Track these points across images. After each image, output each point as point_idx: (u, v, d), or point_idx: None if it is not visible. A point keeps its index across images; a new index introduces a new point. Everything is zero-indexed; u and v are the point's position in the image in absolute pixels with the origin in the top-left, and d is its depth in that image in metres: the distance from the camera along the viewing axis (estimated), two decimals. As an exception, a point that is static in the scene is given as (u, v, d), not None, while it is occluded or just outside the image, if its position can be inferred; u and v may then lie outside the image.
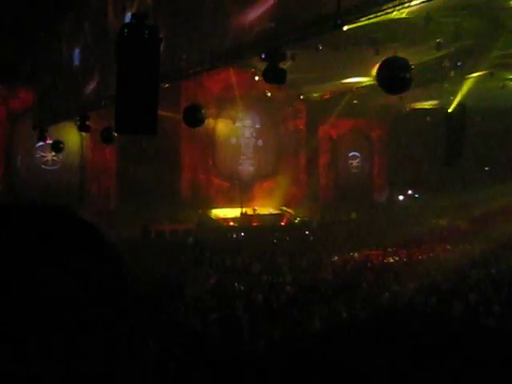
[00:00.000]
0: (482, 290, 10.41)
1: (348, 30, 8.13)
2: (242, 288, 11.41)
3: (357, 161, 31.63)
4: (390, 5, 6.67)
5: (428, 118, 26.21)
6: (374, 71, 10.07)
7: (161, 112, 8.83)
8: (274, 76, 10.04)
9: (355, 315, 8.77)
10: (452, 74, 17.77)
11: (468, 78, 18.65)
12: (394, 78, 8.41)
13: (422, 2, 7.05)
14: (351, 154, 31.45)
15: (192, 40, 10.80)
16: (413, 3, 6.68)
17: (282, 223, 25.51)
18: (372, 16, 7.06)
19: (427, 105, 25.01)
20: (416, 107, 25.37)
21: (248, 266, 14.54)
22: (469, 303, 9.16)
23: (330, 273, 13.65)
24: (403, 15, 11.21)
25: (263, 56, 9.54)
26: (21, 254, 0.77)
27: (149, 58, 8.24)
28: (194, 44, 10.77)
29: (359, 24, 8.25)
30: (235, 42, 9.85)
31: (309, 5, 7.79)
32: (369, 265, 15.06)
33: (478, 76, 18.36)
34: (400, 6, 6.79)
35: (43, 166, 22.31)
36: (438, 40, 15.09)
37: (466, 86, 19.12)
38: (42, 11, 15.17)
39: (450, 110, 19.33)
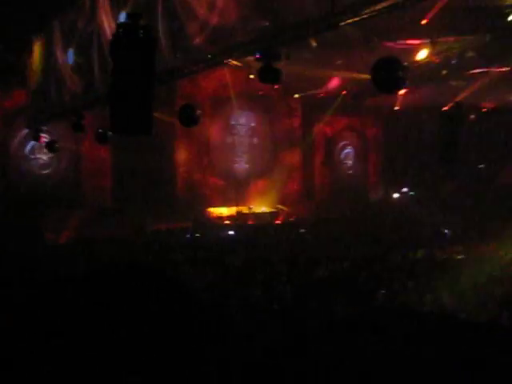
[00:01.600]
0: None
1: (342, 28, 8.16)
2: (237, 286, 11.44)
3: (352, 159, 31.73)
4: (385, 5, 6.70)
5: (423, 116, 26.26)
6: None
7: (156, 113, 8.81)
8: (268, 76, 10.09)
9: (352, 313, 8.80)
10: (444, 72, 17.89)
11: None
12: (388, 77, 8.46)
13: (417, 1, 7.08)
14: (346, 151, 31.54)
15: (186, 39, 10.80)
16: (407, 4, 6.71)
17: (278, 221, 25.58)
18: (367, 16, 7.09)
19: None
20: (411, 104, 25.41)
21: (243, 264, 14.57)
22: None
23: (326, 271, 13.68)
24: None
25: (257, 56, 9.58)
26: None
27: (144, 58, 8.24)
28: (189, 43, 10.77)
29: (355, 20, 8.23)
30: (230, 41, 9.87)
31: (303, 4, 7.80)
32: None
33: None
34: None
35: (38, 166, 22.28)
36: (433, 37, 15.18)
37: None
38: (35, 10, 15.15)
39: (445, 108, 19.37)
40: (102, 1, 12.93)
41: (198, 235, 20.59)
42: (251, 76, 18.70)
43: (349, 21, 7.60)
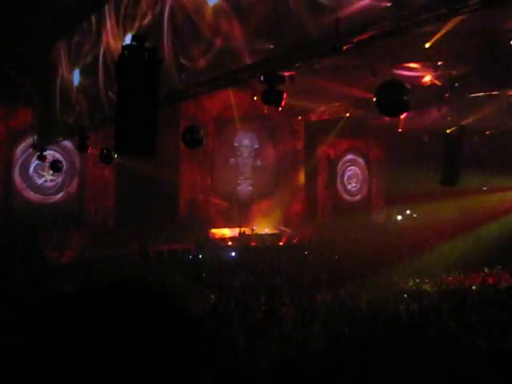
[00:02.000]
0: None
1: (346, 52, 8.20)
2: (240, 308, 11.39)
3: (355, 181, 31.77)
4: (388, 28, 6.75)
5: (426, 138, 26.32)
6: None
7: (160, 134, 8.84)
8: (272, 98, 10.15)
9: (355, 335, 8.74)
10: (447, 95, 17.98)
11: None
12: (392, 100, 8.48)
13: (419, 26, 7.12)
14: (349, 173, 31.59)
15: (191, 61, 10.88)
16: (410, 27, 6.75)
17: (281, 243, 25.50)
18: (369, 39, 7.14)
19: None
20: (413, 127, 25.49)
21: (246, 286, 14.52)
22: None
23: (328, 294, 13.62)
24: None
25: (262, 78, 9.65)
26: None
27: (149, 80, 8.30)
28: (193, 65, 10.85)
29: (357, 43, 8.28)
30: (234, 64, 9.93)
31: (307, 28, 7.86)
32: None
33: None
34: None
35: (42, 186, 22.33)
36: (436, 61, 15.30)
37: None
38: (42, 32, 15.32)
39: (448, 131, 19.41)
40: (108, 22, 13.07)
41: (200, 256, 20.53)
42: (255, 98, 18.79)
43: (352, 44, 7.66)
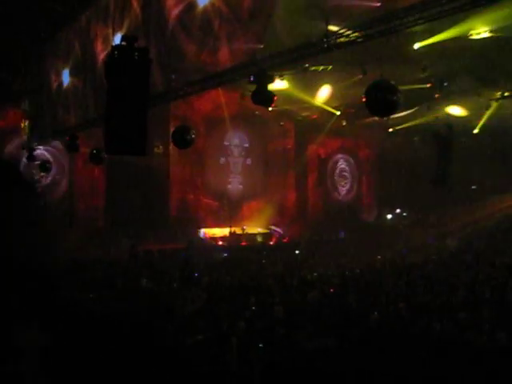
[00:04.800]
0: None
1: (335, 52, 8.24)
2: (231, 308, 11.36)
3: (345, 180, 31.85)
4: (378, 29, 6.79)
5: (416, 138, 26.47)
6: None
7: (150, 134, 8.84)
8: (262, 98, 10.15)
9: (344, 335, 8.75)
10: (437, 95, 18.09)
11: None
12: (382, 100, 8.49)
13: (408, 27, 7.17)
14: (339, 172, 31.66)
15: (181, 61, 10.88)
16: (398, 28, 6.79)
17: (271, 242, 25.53)
18: (359, 40, 7.17)
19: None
20: (403, 127, 25.60)
21: (237, 286, 14.50)
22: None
23: (319, 292, 13.62)
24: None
25: (251, 78, 9.65)
26: None
27: (139, 80, 8.29)
28: (184, 65, 10.85)
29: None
30: (224, 65, 9.95)
31: (297, 28, 7.89)
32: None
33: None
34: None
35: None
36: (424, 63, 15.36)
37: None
38: (31, 33, 15.25)
39: (437, 130, 19.54)
40: (97, 23, 13.04)
41: (191, 256, 20.47)
42: (243, 98, 18.75)
43: (342, 43, 7.70)
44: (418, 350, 7.48)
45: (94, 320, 1.13)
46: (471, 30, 12.98)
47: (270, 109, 13.12)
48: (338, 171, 31.59)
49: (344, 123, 24.43)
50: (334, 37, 7.41)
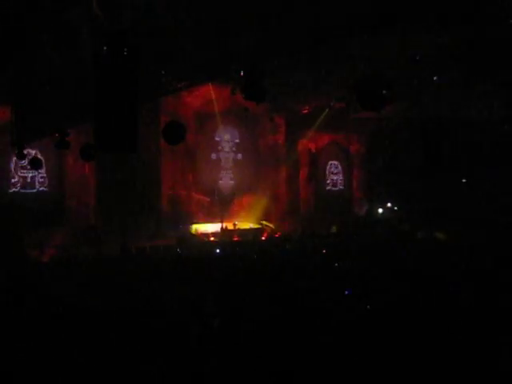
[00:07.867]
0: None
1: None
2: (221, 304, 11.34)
3: (336, 174, 31.91)
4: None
5: (406, 131, 26.52)
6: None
7: (140, 130, 8.78)
8: (253, 93, 10.10)
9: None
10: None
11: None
12: (372, 94, 8.49)
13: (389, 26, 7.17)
14: (330, 167, 31.72)
15: (171, 56, 10.82)
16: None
17: (263, 237, 25.51)
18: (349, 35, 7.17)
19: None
20: (393, 119, 25.65)
21: (228, 282, 14.46)
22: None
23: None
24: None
25: (242, 73, 9.61)
26: None
27: (128, 76, 8.22)
28: (174, 60, 10.80)
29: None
30: (214, 59, 9.91)
31: (287, 23, 7.87)
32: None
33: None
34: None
35: (21, 182, 22.06)
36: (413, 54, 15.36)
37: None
38: (18, 27, 15.10)
39: (425, 122, 19.60)
40: (87, 16, 12.93)
41: (182, 252, 20.43)
42: (234, 93, 18.71)
43: (333, 38, 7.70)
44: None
45: (87, 317, 1.11)
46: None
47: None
48: (329, 166, 31.64)
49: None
50: (323, 30, 7.41)
